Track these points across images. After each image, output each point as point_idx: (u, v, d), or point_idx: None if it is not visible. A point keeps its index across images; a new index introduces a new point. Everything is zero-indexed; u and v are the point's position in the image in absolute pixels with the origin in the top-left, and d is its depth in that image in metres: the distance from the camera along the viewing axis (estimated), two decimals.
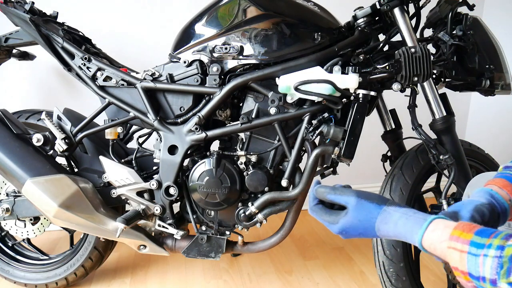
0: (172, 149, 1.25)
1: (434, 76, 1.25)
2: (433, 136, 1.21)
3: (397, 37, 1.19)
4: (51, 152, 1.35)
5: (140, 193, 1.31)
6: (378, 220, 0.70)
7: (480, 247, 0.54)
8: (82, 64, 1.29)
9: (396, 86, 1.12)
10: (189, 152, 1.26)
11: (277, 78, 1.15)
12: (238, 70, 1.20)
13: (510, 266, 0.51)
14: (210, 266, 1.72)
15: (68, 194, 1.27)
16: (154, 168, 1.35)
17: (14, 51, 1.54)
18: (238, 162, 1.24)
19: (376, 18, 1.23)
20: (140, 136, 1.39)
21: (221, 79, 1.21)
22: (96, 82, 1.29)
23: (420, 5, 1.20)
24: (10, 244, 1.58)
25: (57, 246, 1.88)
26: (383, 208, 0.71)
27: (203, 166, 1.22)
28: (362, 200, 0.73)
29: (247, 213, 1.25)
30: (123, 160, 1.34)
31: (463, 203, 0.73)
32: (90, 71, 1.29)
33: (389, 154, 1.41)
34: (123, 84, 1.27)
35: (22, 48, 1.55)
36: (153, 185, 1.27)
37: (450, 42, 1.17)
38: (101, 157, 1.31)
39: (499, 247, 0.53)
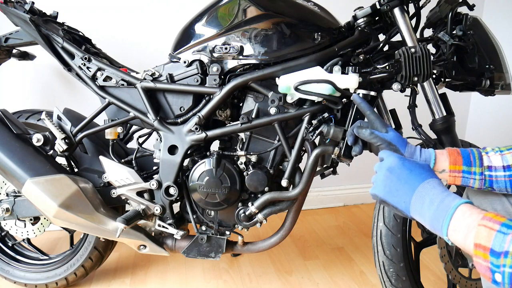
0: (172, 149, 1.25)
1: (434, 76, 1.25)
2: (433, 136, 1.21)
3: (397, 37, 1.19)
4: (51, 152, 1.35)
5: (140, 193, 1.31)
6: (412, 200, 0.71)
7: (510, 228, 0.57)
8: (82, 64, 1.29)
9: (396, 86, 1.11)
10: (189, 152, 1.26)
11: (277, 78, 1.15)
12: (238, 70, 1.20)
13: None
14: (210, 266, 1.72)
15: (68, 194, 1.27)
16: (154, 168, 1.35)
17: (14, 51, 1.54)
18: (238, 162, 1.24)
19: (376, 18, 1.23)
20: (140, 136, 1.39)
21: (221, 79, 1.21)
22: (96, 82, 1.29)
23: (420, 5, 1.20)
24: (10, 244, 1.58)
25: (57, 246, 1.88)
26: (418, 188, 0.71)
27: (203, 166, 1.22)
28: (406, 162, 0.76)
29: (247, 213, 1.25)
30: (123, 160, 1.34)
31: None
32: (90, 71, 1.29)
33: None
34: (123, 84, 1.27)
35: (22, 48, 1.55)
36: (153, 185, 1.27)
37: (450, 42, 1.17)
38: (101, 157, 1.31)
39: None
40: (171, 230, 1.31)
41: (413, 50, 1.06)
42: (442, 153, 0.88)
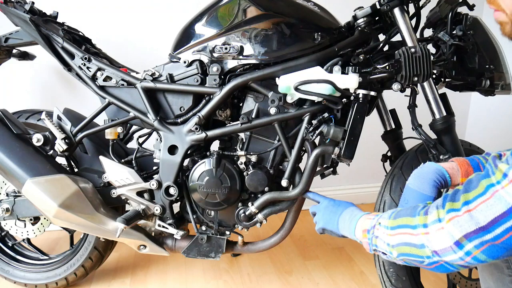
0: (172, 149, 1.25)
1: (434, 76, 1.25)
2: (433, 136, 1.21)
3: (397, 37, 1.19)
4: (51, 152, 1.34)
5: (140, 193, 1.31)
6: (339, 221, 0.98)
7: (376, 216, 0.86)
8: (82, 64, 1.29)
9: (396, 86, 1.11)
10: (189, 152, 1.26)
11: (277, 78, 1.15)
12: (238, 70, 1.20)
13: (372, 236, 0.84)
14: (210, 266, 1.72)
15: (68, 194, 1.27)
16: (154, 168, 1.35)
17: (14, 51, 1.54)
18: (238, 162, 1.24)
19: (376, 18, 1.23)
20: (140, 136, 1.39)
21: (221, 79, 1.21)
22: (96, 82, 1.29)
23: (420, 5, 1.20)
24: (10, 244, 1.58)
25: (57, 246, 1.89)
26: (342, 214, 0.98)
27: (203, 166, 1.22)
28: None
29: (247, 213, 1.25)
30: (123, 160, 1.34)
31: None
32: (90, 71, 1.29)
33: (389, 154, 1.41)
34: (123, 84, 1.27)
35: (22, 48, 1.55)
36: (153, 185, 1.27)
37: (450, 42, 1.17)
38: (101, 157, 1.31)
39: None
40: (171, 230, 1.31)
41: (413, 50, 1.06)
42: (452, 166, 0.90)
